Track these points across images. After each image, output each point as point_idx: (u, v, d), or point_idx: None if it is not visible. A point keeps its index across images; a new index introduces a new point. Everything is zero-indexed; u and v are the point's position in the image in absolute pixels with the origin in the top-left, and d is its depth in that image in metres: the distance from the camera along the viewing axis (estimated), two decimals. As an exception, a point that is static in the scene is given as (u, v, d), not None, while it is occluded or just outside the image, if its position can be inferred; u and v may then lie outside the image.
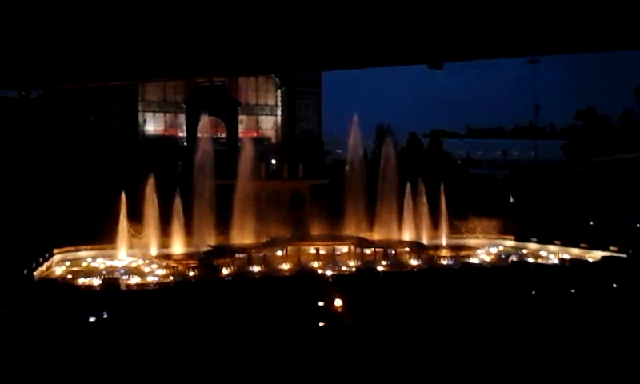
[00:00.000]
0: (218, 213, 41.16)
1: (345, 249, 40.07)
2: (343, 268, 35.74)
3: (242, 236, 40.65)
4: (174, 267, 34.54)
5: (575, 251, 38.72)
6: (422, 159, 59.53)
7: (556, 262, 37.29)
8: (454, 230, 43.95)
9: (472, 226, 44.90)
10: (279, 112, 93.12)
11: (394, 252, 39.14)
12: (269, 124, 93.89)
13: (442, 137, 77.44)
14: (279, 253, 38.25)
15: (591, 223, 48.51)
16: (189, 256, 36.82)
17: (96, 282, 30.29)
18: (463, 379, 15.15)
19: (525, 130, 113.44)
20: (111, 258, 38.22)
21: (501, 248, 42.68)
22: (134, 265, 36.67)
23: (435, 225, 43.32)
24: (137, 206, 39.47)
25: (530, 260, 37.88)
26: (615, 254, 35.08)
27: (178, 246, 39.27)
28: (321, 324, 20.47)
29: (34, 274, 31.26)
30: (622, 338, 17.79)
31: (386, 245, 40.31)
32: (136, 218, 39.50)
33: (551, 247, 40.39)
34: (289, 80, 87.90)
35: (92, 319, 21.14)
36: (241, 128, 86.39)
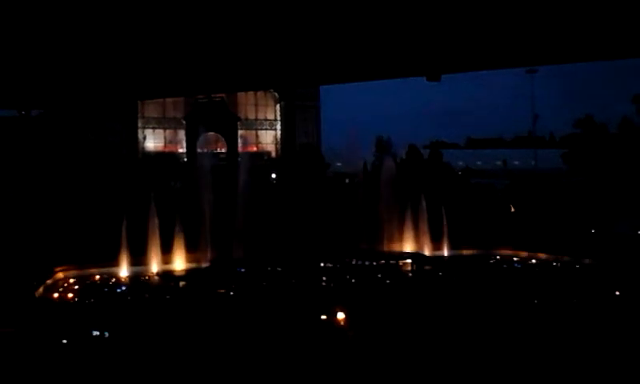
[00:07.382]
0: (218, 228, 41.09)
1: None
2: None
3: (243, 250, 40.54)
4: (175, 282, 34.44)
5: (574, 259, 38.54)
6: (422, 170, 59.44)
7: (558, 269, 37.15)
8: (455, 241, 43.78)
9: (473, 236, 44.72)
10: (279, 126, 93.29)
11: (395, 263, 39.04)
12: (268, 138, 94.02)
13: (441, 148, 77.57)
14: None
15: (592, 231, 48.35)
16: (191, 271, 36.73)
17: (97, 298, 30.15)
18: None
19: (524, 140, 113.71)
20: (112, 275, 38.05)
21: (498, 258, 42.40)
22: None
23: (437, 236, 43.20)
24: (137, 223, 39.36)
25: (532, 268, 37.76)
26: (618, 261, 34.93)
27: (179, 262, 39.17)
28: (324, 335, 20.41)
29: (35, 292, 31.13)
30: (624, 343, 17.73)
31: (387, 256, 40.20)
32: (137, 234, 39.36)
33: (552, 255, 40.17)
34: (288, 94, 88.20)
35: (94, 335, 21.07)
36: (240, 143, 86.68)
